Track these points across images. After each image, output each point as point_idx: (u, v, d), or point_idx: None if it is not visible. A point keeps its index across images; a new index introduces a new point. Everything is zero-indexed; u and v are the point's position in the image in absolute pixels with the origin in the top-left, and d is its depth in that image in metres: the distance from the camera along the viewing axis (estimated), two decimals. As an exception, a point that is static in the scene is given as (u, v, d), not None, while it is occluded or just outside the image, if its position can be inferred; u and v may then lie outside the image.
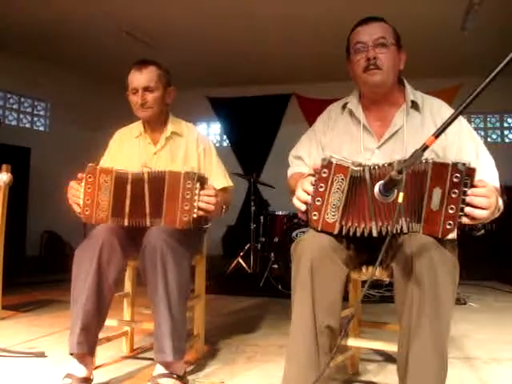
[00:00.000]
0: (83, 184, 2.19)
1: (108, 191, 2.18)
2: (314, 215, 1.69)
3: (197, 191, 2.13)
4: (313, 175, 1.73)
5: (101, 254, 2.09)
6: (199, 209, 2.14)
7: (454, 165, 1.52)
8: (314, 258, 1.67)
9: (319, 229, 1.69)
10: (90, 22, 5.88)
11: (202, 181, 2.18)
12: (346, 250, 1.76)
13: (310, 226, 1.74)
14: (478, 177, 1.55)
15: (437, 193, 1.54)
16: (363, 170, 1.68)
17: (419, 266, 1.53)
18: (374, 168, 1.67)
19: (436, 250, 1.54)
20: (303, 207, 1.73)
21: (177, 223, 2.13)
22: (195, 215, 2.12)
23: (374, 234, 1.65)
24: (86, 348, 2.06)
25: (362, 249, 1.86)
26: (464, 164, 1.52)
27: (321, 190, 1.68)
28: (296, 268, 1.72)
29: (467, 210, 1.51)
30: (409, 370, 1.51)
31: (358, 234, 1.67)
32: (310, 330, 1.63)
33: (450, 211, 1.52)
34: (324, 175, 1.68)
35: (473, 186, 1.52)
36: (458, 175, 1.51)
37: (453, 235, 1.54)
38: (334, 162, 1.67)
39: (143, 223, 2.19)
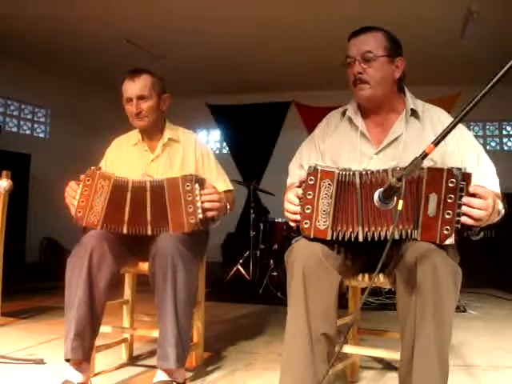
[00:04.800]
0: (81, 186, 2.20)
1: (103, 197, 2.19)
2: (306, 223, 1.70)
3: (197, 192, 2.16)
4: (299, 186, 1.74)
5: (90, 260, 2.10)
6: (205, 210, 2.16)
7: (450, 170, 1.53)
8: (306, 265, 1.67)
9: (311, 236, 1.70)
10: (91, 30, 5.90)
11: (201, 182, 2.20)
12: (339, 257, 1.76)
13: (302, 235, 1.74)
14: (479, 183, 1.55)
15: (433, 198, 1.54)
16: (353, 175, 1.69)
17: (422, 274, 1.53)
18: (367, 173, 1.68)
19: (439, 256, 1.54)
20: (295, 217, 1.74)
21: (185, 227, 2.16)
22: (201, 216, 2.14)
23: (360, 238, 1.66)
24: (81, 354, 2.06)
25: (360, 256, 1.86)
26: (459, 169, 1.53)
27: (309, 197, 1.68)
28: (289, 276, 1.73)
29: (465, 208, 1.51)
30: (413, 379, 1.51)
31: (346, 239, 1.68)
32: (304, 338, 1.63)
33: (447, 216, 1.52)
34: (311, 182, 1.69)
35: (468, 192, 1.52)
36: (454, 180, 1.51)
37: (450, 240, 1.54)
38: (320, 168, 1.68)
39: (144, 231, 2.20)
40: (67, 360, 2.08)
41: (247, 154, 8.60)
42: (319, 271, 1.67)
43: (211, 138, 9.40)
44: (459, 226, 1.52)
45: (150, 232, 2.20)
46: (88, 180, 2.20)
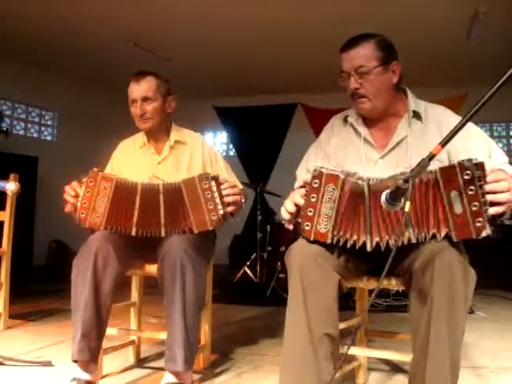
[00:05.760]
0: (83, 187, 2.20)
1: (106, 198, 2.18)
2: (307, 225, 1.69)
3: (215, 189, 2.17)
4: (303, 187, 1.74)
5: (96, 261, 2.11)
6: (228, 204, 2.18)
7: (461, 163, 1.51)
8: (302, 264, 1.68)
9: (312, 239, 1.69)
10: (98, 32, 5.91)
11: (216, 179, 2.21)
12: (338, 259, 1.76)
13: (302, 236, 1.74)
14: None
15: (455, 195, 1.52)
16: (362, 183, 1.67)
17: (437, 275, 1.51)
18: (376, 181, 1.67)
19: (453, 257, 1.53)
20: (288, 216, 1.76)
21: (208, 225, 2.17)
22: (222, 211, 2.16)
23: (368, 248, 1.64)
24: (88, 355, 2.08)
25: (365, 259, 1.85)
26: (470, 160, 1.50)
27: (313, 200, 1.68)
28: (288, 276, 1.73)
29: (489, 196, 1.48)
30: (426, 380, 1.50)
31: (349, 246, 1.67)
32: (304, 337, 1.62)
33: (474, 208, 1.49)
34: (315, 185, 1.68)
35: (486, 179, 1.49)
36: (469, 172, 1.49)
37: (486, 232, 1.48)
38: (325, 172, 1.67)
39: (157, 234, 2.20)
40: (74, 361, 2.09)
41: (254, 156, 8.59)
42: (316, 270, 1.67)
43: (218, 140, 9.41)
44: (489, 214, 1.48)
45: (163, 234, 2.20)
46: (90, 181, 2.20)
